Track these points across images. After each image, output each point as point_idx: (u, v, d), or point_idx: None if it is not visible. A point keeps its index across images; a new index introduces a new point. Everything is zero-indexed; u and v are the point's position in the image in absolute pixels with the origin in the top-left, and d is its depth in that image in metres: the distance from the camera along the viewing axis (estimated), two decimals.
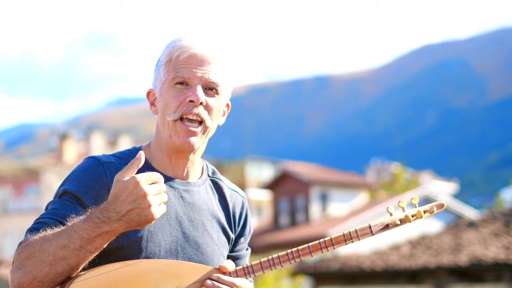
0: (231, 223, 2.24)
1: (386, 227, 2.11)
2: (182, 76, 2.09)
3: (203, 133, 2.12)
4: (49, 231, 1.90)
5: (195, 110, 2.09)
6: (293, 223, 34.36)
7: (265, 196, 42.91)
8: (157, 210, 1.86)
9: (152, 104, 2.18)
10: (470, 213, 31.28)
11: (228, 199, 2.25)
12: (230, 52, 2.19)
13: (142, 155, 1.89)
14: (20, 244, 1.94)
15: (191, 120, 2.10)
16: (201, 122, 2.11)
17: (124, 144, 49.92)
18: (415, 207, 2.13)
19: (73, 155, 48.90)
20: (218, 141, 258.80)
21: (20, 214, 42.10)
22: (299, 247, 2.08)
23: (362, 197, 35.80)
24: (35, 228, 1.96)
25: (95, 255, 1.90)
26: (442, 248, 15.93)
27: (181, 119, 2.09)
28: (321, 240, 2.09)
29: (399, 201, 2.10)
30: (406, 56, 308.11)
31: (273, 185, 36.80)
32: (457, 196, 50.18)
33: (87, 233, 1.85)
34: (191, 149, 2.11)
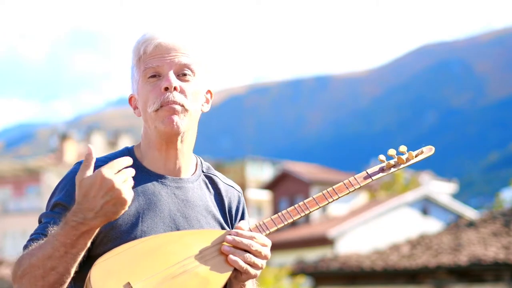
0: (227, 219, 2.22)
1: (382, 170, 2.25)
2: (152, 67, 2.09)
3: (185, 115, 2.10)
4: (34, 245, 1.93)
5: (171, 97, 2.08)
6: (293, 223, 34.36)
7: (265, 196, 42.94)
8: (128, 194, 1.86)
9: (135, 107, 2.19)
10: (470, 213, 31.25)
11: (224, 194, 2.24)
12: (198, 36, 2.18)
13: (92, 149, 1.90)
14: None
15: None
16: (181, 106, 2.11)
17: (124, 144, 49.66)
18: (405, 153, 2.28)
19: (73, 155, 48.86)
20: (218, 141, 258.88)
21: (20, 214, 42.16)
22: (305, 200, 2.16)
23: (362, 197, 35.82)
24: (28, 246, 1.98)
25: (82, 254, 1.91)
26: (442, 248, 15.96)
27: (162, 107, 2.10)
28: (324, 192, 2.19)
29: (389, 150, 2.24)
30: (406, 56, 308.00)
31: (273, 185, 36.83)
32: (457, 196, 50.16)
33: (68, 238, 1.86)
34: (176, 129, 2.08)
